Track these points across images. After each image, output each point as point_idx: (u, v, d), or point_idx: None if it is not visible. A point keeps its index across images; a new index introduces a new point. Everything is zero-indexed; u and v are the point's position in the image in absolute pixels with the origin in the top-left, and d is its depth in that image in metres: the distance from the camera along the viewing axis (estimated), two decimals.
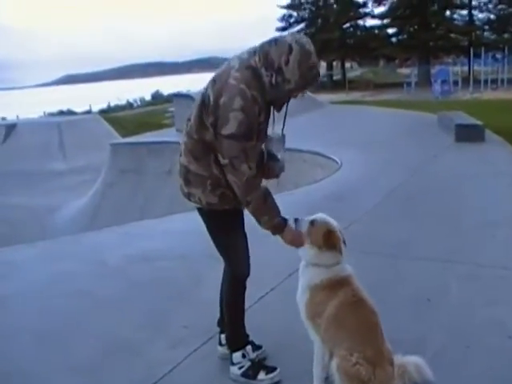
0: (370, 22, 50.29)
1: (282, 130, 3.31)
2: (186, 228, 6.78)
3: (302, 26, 50.30)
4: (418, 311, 4.20)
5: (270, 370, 3.35)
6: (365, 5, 48.72)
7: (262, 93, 2.95)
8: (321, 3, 49.59)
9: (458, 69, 39.05)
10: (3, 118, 35.14)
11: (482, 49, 33.53)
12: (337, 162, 10.89)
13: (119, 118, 35.92)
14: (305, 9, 50.04)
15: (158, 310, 4.48)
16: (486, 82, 31.04)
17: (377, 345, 2.87)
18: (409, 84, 33.79)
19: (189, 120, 3.15)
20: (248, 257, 3.32)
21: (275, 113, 3.21)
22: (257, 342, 3.55)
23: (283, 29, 50.24)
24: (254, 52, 3.02)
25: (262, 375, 3.33)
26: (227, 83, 2.92)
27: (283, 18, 50.03)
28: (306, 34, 46.85)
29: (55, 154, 23.78)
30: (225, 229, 3.30)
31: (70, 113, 40.59)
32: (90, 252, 6.35)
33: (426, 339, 3.71)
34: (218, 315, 3.66)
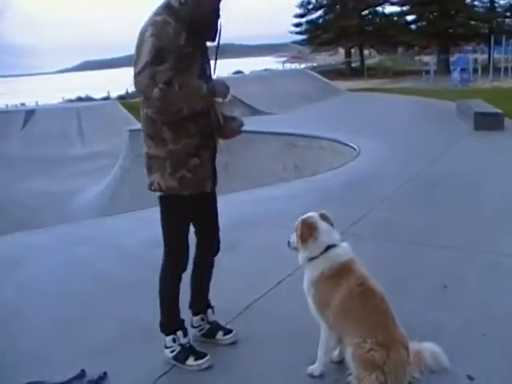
0: (389, 9, 50.10)
1: (214, 70, 3.38)
2: None
3: (320, 12, 49.93)
4: (436, 299, 4.19)
5: (200, 356, 3.41)
6: None
7: (175, 16, 3.04)
8: None
9: (477, 56, 38.57)
10: (22, 104, 35.28)
11: (503, 36, 33.03)
12: (355, 149, 10.86)
13: (137, 104, 35.78)
14: None
15: None
16: (506, 69, 30.64)
17: (388, 329, 2.88)
18: (428, 72, 33.43)
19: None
20: (187, 252, 3.39)
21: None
22: (277, 322, 3.58)
23: (301, 15, 49.93)
24: None
25: (190, 360, 3.39)
26: (140, 31, 3.05)
27: (301, 5, 49.69)
28: (324, 20, 46.66)
29: (74, 139, 23.90)
30: (177, 218, 3.33)
31: (89, 99, 40.67)
32: (108, 236, 6.41)
33: (444, 327, 3.70)
34: (229, 300, 3.68)
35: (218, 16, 3.16)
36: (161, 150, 3.15)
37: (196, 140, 3.18)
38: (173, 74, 2.95)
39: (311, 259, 3.12)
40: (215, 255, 3.65)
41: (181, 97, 2.98)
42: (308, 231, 3.11)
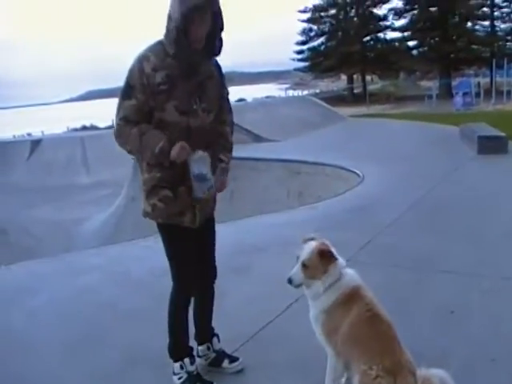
0: (390, 35, 50.36)
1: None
2: None
3: (322, 39, 50.44)
4: (442, 324, 4.17)
5: None
6: (385, 18, 48.80)
7: (159, 52, 3.03)
8: (341, 16, 49.71)
9: (479, 80, 38.77)
10: (29, 134, 35.53)
11: (505, 60, 33.25)
12: (359, 175, 10.89)
13: None
14: (325, 22, 50.17)
15: None
16: (508, 93, 30.76)
17: (394, 355, 2.85)
18: (430, 96, 33.61)
19: None
20: (191, 278, 3.40)
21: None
22: (285, 349, 3.57)
23: (303, 43, 50.43)
24: None
25: None
26: None
27: (303, 32, 50.25)
28: (326, 47, 47.13)
29: (79, 168, 24.04)
30: (170, 243, 3.36)
31: (93, 128, 40.93)
32: (114, 264, 6.42)
33: (451, 352, 3.68)
34: (236, 326, 3.67)
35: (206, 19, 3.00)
36: (141, 176, 3.29)
37: (167, 174, 3.16)
38: (137, 111, 3.02)
39: (329, 286, 3.02)
40: (213, 283, 3.67)
41: (133, 141, 3.04)
42: (328, 258, 3.01)
